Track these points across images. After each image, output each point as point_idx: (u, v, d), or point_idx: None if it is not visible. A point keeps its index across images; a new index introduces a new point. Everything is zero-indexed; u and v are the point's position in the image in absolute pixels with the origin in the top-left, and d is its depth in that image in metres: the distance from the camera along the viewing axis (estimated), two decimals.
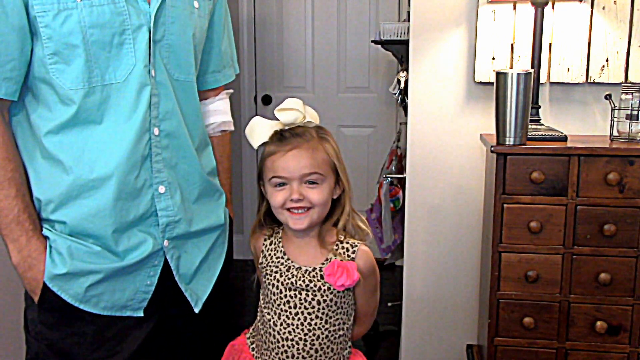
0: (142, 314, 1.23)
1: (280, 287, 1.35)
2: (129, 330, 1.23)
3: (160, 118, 1.19)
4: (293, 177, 1.29)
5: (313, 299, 1.33)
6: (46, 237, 1.18)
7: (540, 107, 1.95)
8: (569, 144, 1.79)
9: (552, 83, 2.08)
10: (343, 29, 3.82)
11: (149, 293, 1.23)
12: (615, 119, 1.86)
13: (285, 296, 1.34)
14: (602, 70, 2.02)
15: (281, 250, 1.38)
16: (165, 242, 1.23)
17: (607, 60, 2.01)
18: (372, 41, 2.99)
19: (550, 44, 2.03)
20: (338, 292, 1.33)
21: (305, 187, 1.30)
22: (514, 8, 2.03)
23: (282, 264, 1.36)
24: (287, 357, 1.34)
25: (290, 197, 1.29)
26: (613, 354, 1.80)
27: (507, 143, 1.76)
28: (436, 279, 2.27)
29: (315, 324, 1.33)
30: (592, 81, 2.03)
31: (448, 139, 2.18)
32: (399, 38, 2.73)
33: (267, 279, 1.38)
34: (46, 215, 1.18)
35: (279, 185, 1.31)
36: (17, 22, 1.10)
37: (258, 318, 1.43)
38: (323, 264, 1.33)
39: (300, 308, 1.33)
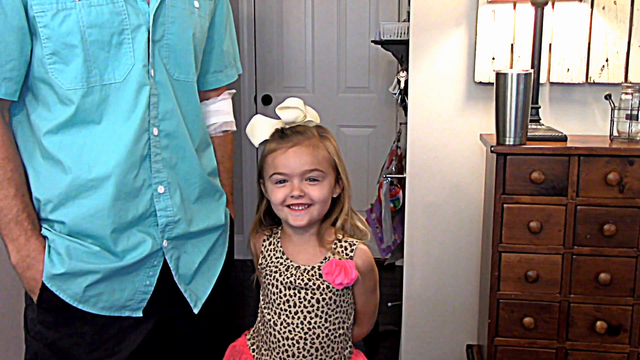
0: (141, 315, 1.23)
1: (280, 286, 1.35)
2: (128, 331, 1.23)
3: (160, 118, 1.19)
4: (294, 174, 1.30)
5: (312, 298, 1.33)
6: (45, 237, 1.17)
7: (540, 107, 1.94)
8: (568, 144, 1.79)
9: (552, 83, 2.07)
10: (343, 29, 3.82)
11: (148, 293, 1.23)
12: (615, 119, 1.86)
13: (285, 295, 1.34)
14: (602, 70, 2.01)
15: (280, 250, 1.38)
16: (165, 243, 1.23)
17: (607, 60, 2.01)
18: (372, 41, 2.99)
19: (550, 44, 2.02)
20: (337, 290, 1.33)
21: (306, 184, 1.30)
22: (514, 8, 2.02)
23: (281, 263, 1.36)
24: (288, 356, 1.34)
25: (290, 193, 1.29)
26: (613, 354, 1.80)
27: (507, 143, 1.76)
28: (436, 279, 2.27)
29: (315, 322, 1.33)
30: (592, 81, 2.03)
31: (448, 139, 2.18)
32: (399, 38, 2.73)
33: (267, 279, 1.38)
34: (45, 215, 1.18)
35: (279, 182, 1.31)
36: (16, 23, 1.10)
37: (258, 319, 1.43)
38: (322, 262, 1.34)
39: (299, 307, 1.33)
